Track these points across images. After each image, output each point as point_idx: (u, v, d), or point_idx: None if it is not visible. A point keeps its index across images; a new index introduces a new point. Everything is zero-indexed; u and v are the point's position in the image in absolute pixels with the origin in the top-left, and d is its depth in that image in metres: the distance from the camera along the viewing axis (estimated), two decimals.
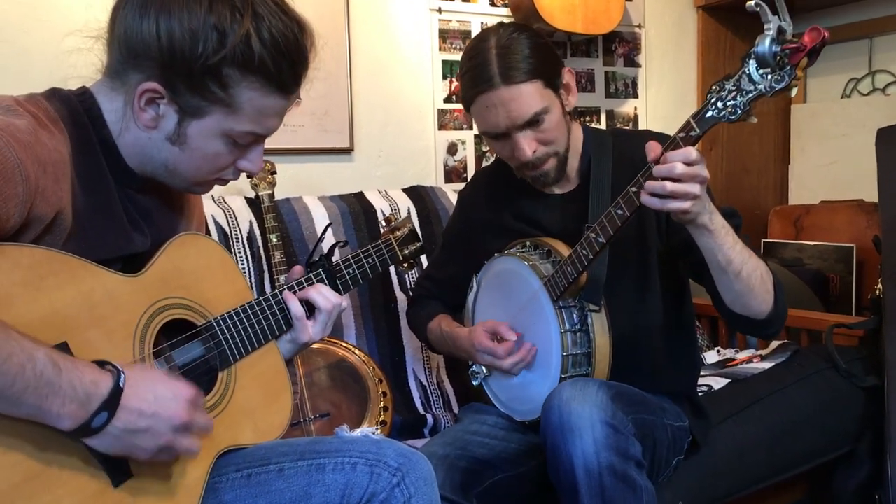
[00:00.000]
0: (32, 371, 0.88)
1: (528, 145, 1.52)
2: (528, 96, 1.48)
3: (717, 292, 1.45)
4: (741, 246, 1.37)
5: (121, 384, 0.95)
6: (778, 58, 1.13)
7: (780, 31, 1.13)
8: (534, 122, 1.51)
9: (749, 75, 1.17)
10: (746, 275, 1.38)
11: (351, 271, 1.42)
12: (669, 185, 1.24)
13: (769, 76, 1.15)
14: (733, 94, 1.19)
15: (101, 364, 0.96)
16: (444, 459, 1.51)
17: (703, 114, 1.23)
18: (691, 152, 1.24)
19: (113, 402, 0.94)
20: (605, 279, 1.51)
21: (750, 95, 1.18)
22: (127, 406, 0.95)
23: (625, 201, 1.33)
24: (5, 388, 0.87)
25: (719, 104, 1.21)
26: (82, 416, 0.92)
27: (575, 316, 1.51)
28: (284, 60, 1.08)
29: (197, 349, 1.17)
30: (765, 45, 1.13)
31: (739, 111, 1.19)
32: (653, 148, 1.28)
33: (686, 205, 1.26)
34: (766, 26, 1.13)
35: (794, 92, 1.16)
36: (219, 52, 1.03)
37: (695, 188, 1.25)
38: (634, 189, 1.31)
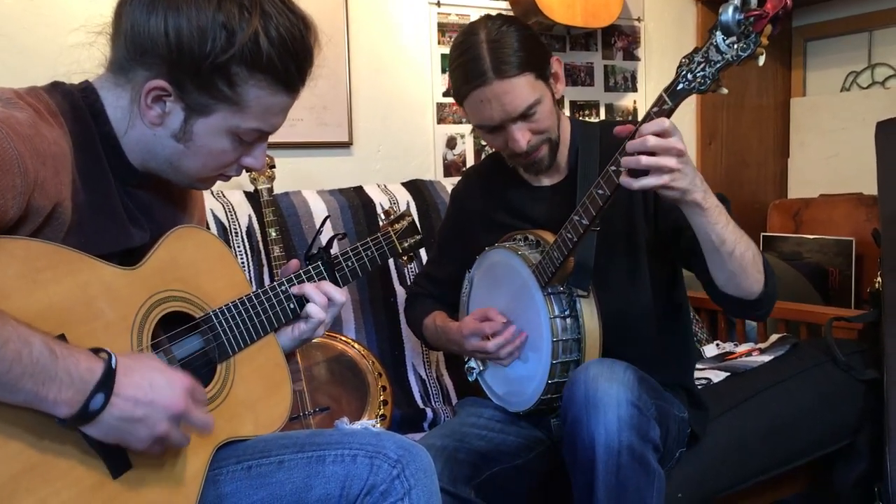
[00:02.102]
0: (29, 357, 0.88)
1: (522, 136, 1.53)
2: (521, 89, 1.50)
3: (708, 275, 1.46)
4: (733, 225, 1.37)
5: (113, 366, 0.94)
6: (742, 26, 1.15)
7: (744, 1, 1.14)
8: (527, 114, 1.52)
9: (716, 45, 1.18)
10: (739, 254, 1.38)
11: (350, 264, 1.42)
12: (644, 160, 1.25)
13: (735, 45, 1.17)
14: (702, 65, 1.21)
15: (97, 352, 0.96)
16: (443, 451, 1.51)
17: (675, 86, 1.24)
18: (663, 122, 1.24)
19: (107, 383, 0.93)
20: (592, 265, 1.51)
21: (718, 65, 1.19)
22: (123, 394, 0.95)
23: (605, 180, 1.34)
24: (2, 374, 0.86)
25: (689, 76, 1.22)
26: (78, 401, 0.91)
27: (564, 302, 1.52)
28: (291, 59, 1.08)
29: (195, 342, 1.17)
30: (728, 13, 1.14)
31: (709, 81, 1.20)
32: (624, 128, 1.30)
33: (663, 179, 1.25)
34: None
35: (762, 60, 1.18)
36: (227, 51, 1.03)
37: (670, 161, 1.24)
38: (613, 168, 1.31)
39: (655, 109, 1.26)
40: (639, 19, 3.15)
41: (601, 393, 1.32)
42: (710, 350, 2.42)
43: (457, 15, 2.74)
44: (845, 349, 2.13)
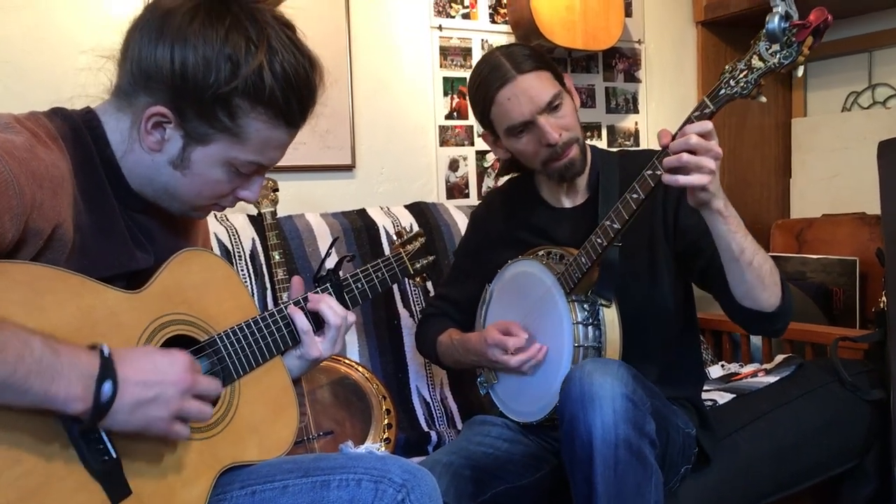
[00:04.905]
0: (31, 357, 0.88)
1: (553, 128, 1.58)
2: (544, 81, 1.59)
3: (726, 289, 1.48)
4: (751, 237, 1.42)
5: (106, 354, 0.95)
6: (786, 35, 1.22)
7: (787, 15, 1.21)
8: (553, 108, 1.59)
9: (759, 53, 1.26)
10: (758, 264, 1.41)
11: (360, 286, 1.41)
12: (686, 157, 1.29)
13: (778, 53, 1.24)
14: (744, 72, 1.28)
15: (91, 347, 0.97)
16: (449, 467, 1.51)
17: (717, 91, 1.31)
18: (707, 124, 1.30)
19: (109, 369, 0.94)
20: (617, 274, 1.53)
21: (760, 71, 1.26)
22: (131, 379, 0.96)
23: (640, 184, 1.38)
24: (8, 377, 0.86)
25: (731, 82, 1.29)
26: (89, 394, 0.92)
27: (587, 309, 1.53)
28: (294, 95, 1.09)
29: (201, 365, 1.17)
30: (774, 22, 1.22)
31: (750, 87, 1.27)
32: (663, 133, 1.34)
33: (704, 179, 1.29)
34: (774, 9, 1.22)
35: (801, 71, 1.26)
36: (231, 83, 1.04)
37: (710, 162, 1.29)
38: (649, 172, 1.36)
39: (697, 114, 1.32)
40: (639, 41, 3.16)
41: (596, 386, 1.33)
42: (715, 371, 2.41)
43: (458, 38, 2.75)
44: (851, 369, 2.12)
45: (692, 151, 1.29)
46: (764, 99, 1.29)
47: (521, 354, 1.58)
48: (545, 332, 1.59)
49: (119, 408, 0.95)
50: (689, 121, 1.32)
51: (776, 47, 1.23)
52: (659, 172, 1.34)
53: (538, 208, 1.75)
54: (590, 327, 1.52)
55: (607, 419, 1.30)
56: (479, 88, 1.63)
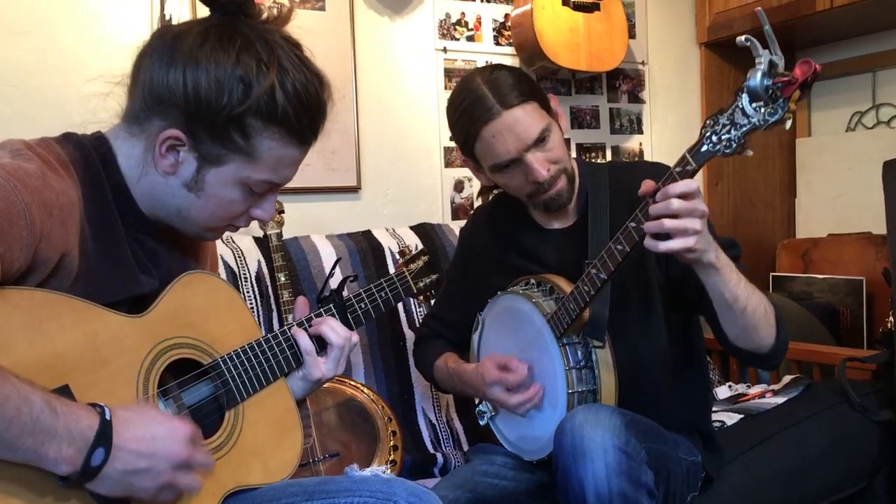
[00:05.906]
0: (29, 415, 0.87)
1: (541, 165, 1.52)
2: (530, 116, 1.51)
3: (719, 326, 1.44)
4: (745, 281, 1.37)
5: (108, 418, 0.94)
6: (770, 91, 1.13)
7: (772, 64, 1.12)
8: (540, 141, 1.52)
9: (742, 109, 1.17)
10: (752, 310, 1.37)
11: (363, 305, 1.41)
12: (668, 223, 1.23)
13: (762, 109, 1.15)
14: (727, 127, 1.19)
15: (94, 406, 0.95)
16: (455, 503, 1.49)
17: (699, 148, 1.22)
18: (690, 184, 1.23)
19: (105, 437, 0.93)
20: (608, 315, 1.50)
21: (744, 129, 1.17)
22: (125, 447, 0.94)
23: (624, 237, 1.33)
24: (1, 432, 0.86)
25: (714, 138, 1.20)
26: (79, 458, 0.91)
27: (579, 352, 1.50)
28: (305, 113, 1.10)
29: (204, 388, 1.17)
30: (756, 79, 1.13)
31: (734, 145, 1.19)
32: (646, 184, 1.28)
33: (690, 242, 1.24)
34: (756, 60, 1.13)
35: (788, 125, 1.16)
36: (243, 103, 1.05)
37: (695, 223, 1.23)
38: (633, 224, 1.30)
39: (678, 170, 1.25)
40: (643, 63, 3.18)
41: (587, 440, 1.30)
42: (722, 392, 2.39)
43: (463, 61, 2.77)
44: (859, 390, 2.10)
45: (674, 215, 1.23)
46: (750, 153, 1.19)
47: (520, 395, 1.55)
48: (540, 374, 1.56)
49: (107, 474, 0.94)
50: (671, 178, 1.24)
51: (760, 104, 1.14)
52: (643, 226, 1.27)
53: (527, 230, 1.70)
54: (583, 370, 1.48)
55: (599, 473, 1.28)
56: (461, 120, 1.55)
